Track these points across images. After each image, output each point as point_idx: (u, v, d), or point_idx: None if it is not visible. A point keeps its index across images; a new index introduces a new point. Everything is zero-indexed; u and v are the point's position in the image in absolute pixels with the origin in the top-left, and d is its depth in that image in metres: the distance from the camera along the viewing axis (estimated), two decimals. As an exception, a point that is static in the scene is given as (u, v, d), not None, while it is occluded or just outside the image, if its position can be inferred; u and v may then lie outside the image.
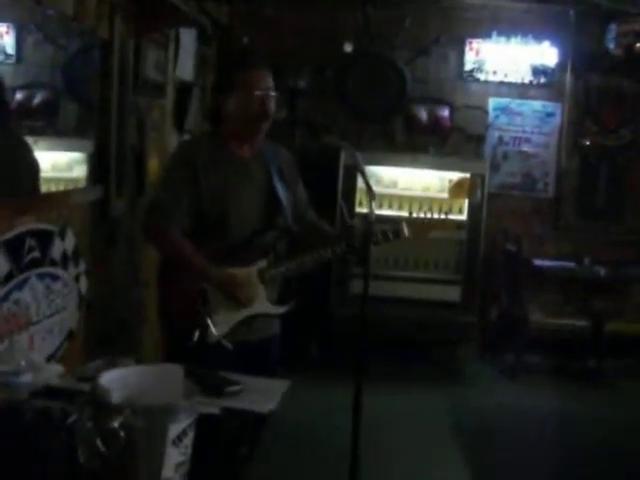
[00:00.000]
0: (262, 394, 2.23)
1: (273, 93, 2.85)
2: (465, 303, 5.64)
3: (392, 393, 5.01)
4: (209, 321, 2.74)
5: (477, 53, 5.89)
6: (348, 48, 5.81)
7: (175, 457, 1.72)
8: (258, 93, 2.81)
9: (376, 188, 5.61)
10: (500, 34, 5.78)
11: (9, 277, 2.41)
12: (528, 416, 4.85)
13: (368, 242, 2.81)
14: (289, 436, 4.11)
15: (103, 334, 3.23)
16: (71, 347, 2.92)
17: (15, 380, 2.15)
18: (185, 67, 4.34)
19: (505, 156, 6.02)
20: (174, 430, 1.70)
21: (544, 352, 5.77)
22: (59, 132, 4.53)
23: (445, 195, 5.69)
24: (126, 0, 3.14)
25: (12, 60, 4.61)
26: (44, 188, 3.95)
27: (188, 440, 1.77)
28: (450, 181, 5.66)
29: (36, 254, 2.61)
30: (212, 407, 2.07)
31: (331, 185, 5.40)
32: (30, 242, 2.56)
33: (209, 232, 2.79)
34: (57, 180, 4.47)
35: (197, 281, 2.76)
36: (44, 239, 2.68)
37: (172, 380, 1.89)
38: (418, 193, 5.78)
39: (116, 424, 1.65)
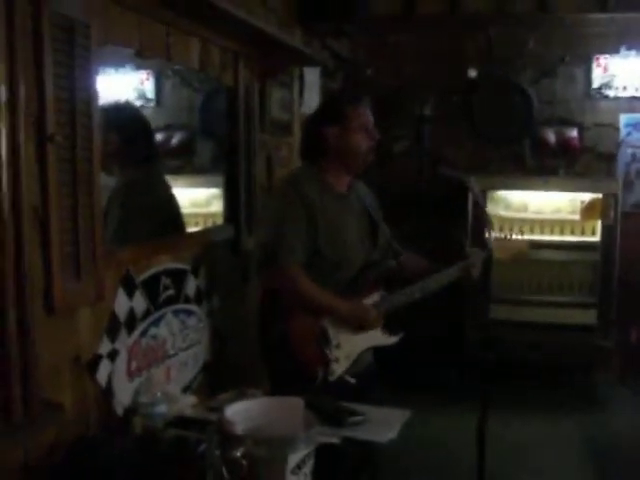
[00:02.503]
0: (382, 424, 2.29)
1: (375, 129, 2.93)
2: (601, 326, 5.47)
3: (527, 419, 4.94)
4: (332, 358, 2.79)
5: (605, 69, 5.73)
6: (472, 73, 5.81)
7: (295, 485, 1.82)
8: (367, 128, 2.91)
9: (506, 212, 5.70)
10: (629, 48, 5.62)
11: (147, 314, 2.59)
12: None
13: (487, 269, 2.82)
14: (418, 461, 4.15)
15: (237, 367, 3.37)
16: (206, 379, 3.08)
17: (152, 410, 2.32)
18: (311, 103, 4.48)
19: (639, 173, 5.82)
20: (293, 459, 1.80)
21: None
22: (197, 170, 4.80)
23: (577, 217, 5.57)
24: (249, 47, 3.30)
25: (152, 104, 4.93)
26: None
27: (307, 468, 1.86)
28: (582, 202, 5.53)
29: (171, 292, 2.78)
30: (333, 437, 2.15)
31: (448, 216, 5.38)
32: (165, 281, 2.74)
33: (323, 269, 2.82)
34: (196, 215, 4.73)
35: (316, 320, 2.79)
36: (178, 277, 2.85)
37: (293, 411, 1.99)
38: (549, 216, 5.69)
39: (239, 453, 1.77)
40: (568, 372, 5.65)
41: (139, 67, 4.61)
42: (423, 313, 5.09)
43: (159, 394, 2.36)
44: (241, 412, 1.94)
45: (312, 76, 4.50)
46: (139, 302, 2.54)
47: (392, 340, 3.01)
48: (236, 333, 3.40)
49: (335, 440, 2.14)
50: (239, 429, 1.86)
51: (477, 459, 2.84)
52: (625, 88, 5.73)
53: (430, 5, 5.89)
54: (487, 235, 2.75)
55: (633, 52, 5.63)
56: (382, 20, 5.76)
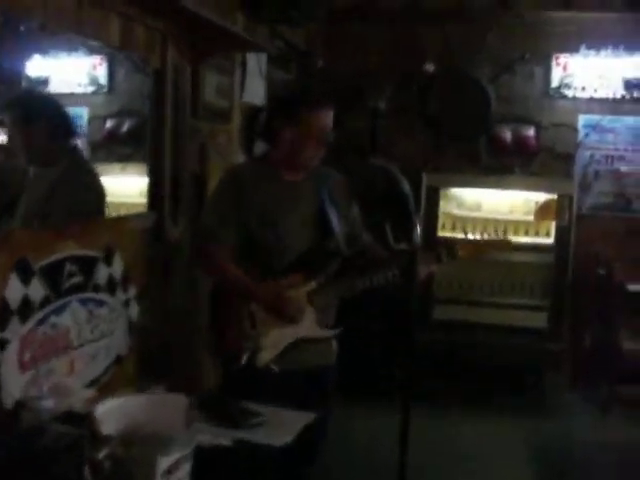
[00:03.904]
0: (281, 426, 2.16)
1: (331, 131, 2.85)
2: (552, 330, 5.39)
3: (472, 419, 4.90)
4: (259, 345, 2.76)
5: (565, 68, 5.64)
6: (430, 68, 5.70)
7: (165, 490, 1.69)
8: (322, 133, 2.82)
9: (459, 211, 5.59)
10: (589, 47, 5.53)
11: (45, 302, 2.44)
12: (619, 451, 4.54)
13: (414, 267, 2.70)
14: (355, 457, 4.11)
15: (157, 360, 3.24)
16: (119, 372, 2.93)
17: (38, 404, 2.18)
18: (254, 91, 4.35)
19: (597, 175, 5.72)
20: (164, 462, 1.67)
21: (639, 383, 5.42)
22: (146, 158, 4.66)
23: (531, 217, 5.48)
24: (178, 27, 3.16)
25: (104, 90, 4.78)
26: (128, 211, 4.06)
27: (182, 472, 1.72)
28: (536, 203, 5.45)
29: (77, 279, 2.63)
30: (224, 439, 2.03)
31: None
32: (70, 268, 2.59)
33: (257, 254, 2.83)
34: (143, 205, 4.59)
35: (245, 304, 2.79)
36: (87, 265, 2.69)
37: (175, 410, 1.86)
38: (503, 216, 5.59)
39: (102, 455, 1.63)
40: (518, 375, 5.56)
41: (92, 52, 4.47)
42: (374, 311, 5.02)
43: (46, 388, 2.22)
44: (115, 410, 1.80)
45: (255, 63, 4.34)
46: (36, 289, 2.38)
47: (327, 334, 2.95)
48: (158, 325, 3.26)
49: (225, 442, 2.01)
50: (108, 428, 1.72)
51: (399, 454, 2.72)
52: (584, 88, 5.65)
53: (390, -3, 5.77)
54: (413, 234, 2.61)
55: (593, 52, 5.55)
56: (340, 11, 5.61)
